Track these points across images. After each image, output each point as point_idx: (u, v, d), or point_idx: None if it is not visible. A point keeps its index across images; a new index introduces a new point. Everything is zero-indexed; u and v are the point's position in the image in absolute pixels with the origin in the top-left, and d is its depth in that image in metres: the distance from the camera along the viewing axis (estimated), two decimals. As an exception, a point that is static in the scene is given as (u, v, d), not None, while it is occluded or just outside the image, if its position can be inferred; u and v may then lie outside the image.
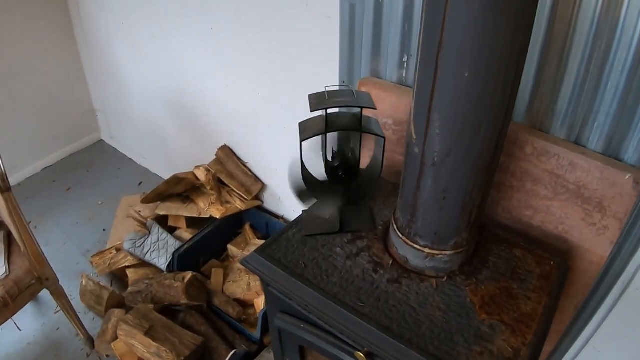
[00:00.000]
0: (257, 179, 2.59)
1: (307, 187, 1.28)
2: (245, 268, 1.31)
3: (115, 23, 2.84)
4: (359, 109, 1.21)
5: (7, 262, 2.02)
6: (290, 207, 2.53)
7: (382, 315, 1.17)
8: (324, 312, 1.20)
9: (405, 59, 1.58)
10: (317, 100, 1.18)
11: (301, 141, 1.17)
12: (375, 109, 1.20)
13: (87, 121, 3.67)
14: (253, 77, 2.23)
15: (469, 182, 1.09)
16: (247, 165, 2.61)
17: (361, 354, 1.15)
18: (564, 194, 1.37)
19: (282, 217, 2.62)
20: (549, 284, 1.29)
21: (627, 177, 1.25)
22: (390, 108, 1.59)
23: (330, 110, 1.21)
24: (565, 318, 1.58)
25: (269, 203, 2.66)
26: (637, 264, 1.41)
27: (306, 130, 1.20)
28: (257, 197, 2.63)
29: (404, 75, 1.62)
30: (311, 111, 1.16)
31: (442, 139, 1.03)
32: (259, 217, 2.65)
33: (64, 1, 3.15)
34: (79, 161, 3.57)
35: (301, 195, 1.32)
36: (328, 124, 1.18)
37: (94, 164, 3.56)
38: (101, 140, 3.80)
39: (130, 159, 3.61)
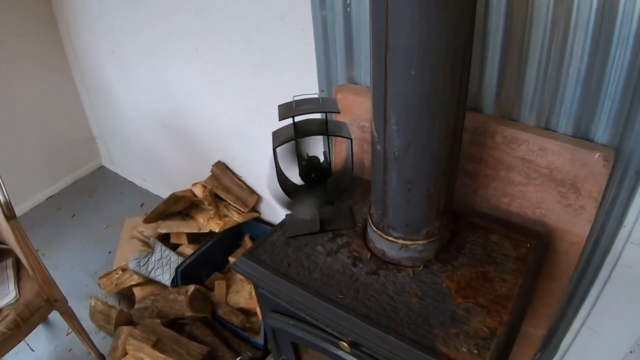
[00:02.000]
0: (252, 191, 2.64)
1: (285, 191, 1.34)
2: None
3: (106, 51, 2.91)
4: (328, 115, 1.27)
5: (17, 286, 2.09)
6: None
7: (361, 305, 1.22)
8: (308, 307, 1.25)
9: (377, 64, 1.63)
10: (286, 110, 1.24)
11: (274, 148, 1.24)
12: (339, 112, 1.26)
13: (87, 148, 3.74)
14: (240, 92, 2.28)
15: (430, 173, 1.14)
16: (242, 178, 2.66)
17: (345, 344, 1.20)
18: (538, 178, 1.39)
19: (280, 227, 2.65)
20: (525, 265, 1.31)
21: (597, 155, 1.26)
22: (367, 112, 1.59)
23: (302, 118, 1.27)
24: (553, 300, 1.60)
25: (266, 214, 2.70)
26: (622, 243, 1.46)
27: (278, 138, 1.26)
28: (254, 209, 2.67)
29: (378, 79, 1.66)
30: (279, 120, 1.23)
31: (399, 134, 1.08)
32: (258, 228, 2.69)
33: (57, 32, 3.23)
34: (82, 188, 3.64)
35: (281, 200, 1.39)
36: (297, 131, 1.25)
37: (96, 189, 3.62)
38: (102, 166, 3.87)
39: (131, 182, 3.67)
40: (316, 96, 1.27)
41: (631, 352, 1.69)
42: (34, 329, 2.06)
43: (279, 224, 1.52)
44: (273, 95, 2.13)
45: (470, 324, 1.17)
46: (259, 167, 2.52)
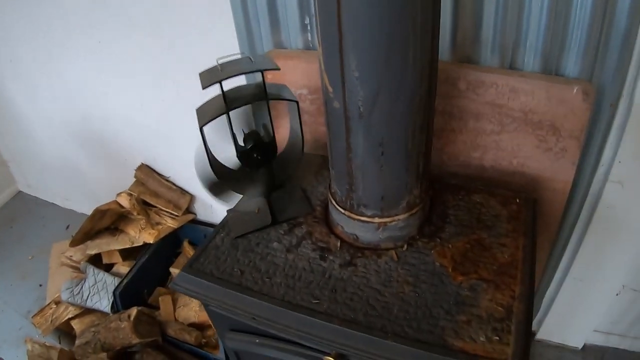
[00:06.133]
0: (183, 191, 2.45)
1: (221, 180, 1.10)
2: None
3: (1, 63, 2.61)
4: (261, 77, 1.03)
5: None
6: (224, 212, 2.36)
7: (343, 307, 1.02)
8: (274, 321, 1.03)
9: (307, 21, 1.45)
10: (209, 76, 0.99)
11: (201, 128, 0.98)
12: (279, 69, 1.03)
13: (0, 175, 3.46)
14: (154, 84, 2.06)
15: (407, 127, 0.94)
16: (170, 179, 2.46)
17: (330, 358, 0.99)
18: (511, 124, 1.28)
19: (219, 226, 2.45)
20: (521, 223, 1.18)
21: (575, 90, 1.16)
22: (302, 77, 1.45)
23: (229, 86, 1.03)
24: (542, 256, 1.55)
25: (202, 214, 2.53)
26: (600, 183, 1.42)
27: (204, 114, 1.00)
28: (189, 211, 2.50)
29: (309, 38, 1.49)
30: (203, 88, 0.97)
31: (363, 82, 0.87)
32: (196, 231, 2.51)
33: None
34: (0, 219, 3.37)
35: (216, 191, 1.14)
36: (227, 101, 0.99)
37: (16, 218, 3.35)
38: (20, 191, 3.60)
39: (53, 203, 3.41)
40: (244, 55, 1.02)
41: (617, 294, 1.71)
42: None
43: (219, 223, 1.29)
44: (192, 79, 1.85)
45: (480, 305, 0.99)
46: (187, 163, 2.25)
